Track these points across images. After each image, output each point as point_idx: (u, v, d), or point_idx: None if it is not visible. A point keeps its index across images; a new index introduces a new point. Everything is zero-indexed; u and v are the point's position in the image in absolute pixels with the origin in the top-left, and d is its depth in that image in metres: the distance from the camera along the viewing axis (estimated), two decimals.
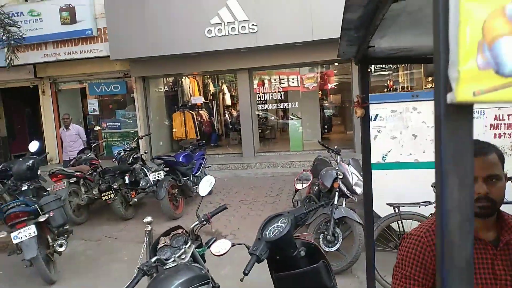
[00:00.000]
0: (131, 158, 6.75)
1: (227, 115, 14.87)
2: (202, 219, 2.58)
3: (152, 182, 6.54)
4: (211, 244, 2.63)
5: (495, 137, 3.85)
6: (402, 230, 3.63)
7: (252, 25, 9.04)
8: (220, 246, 2.39)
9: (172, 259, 2.38)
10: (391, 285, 1.36)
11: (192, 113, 12.00)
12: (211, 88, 14.45)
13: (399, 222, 3.59)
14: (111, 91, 11.87)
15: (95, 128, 12.52)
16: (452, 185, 0.53)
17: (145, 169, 6.91)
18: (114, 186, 6.13)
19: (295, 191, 4.80)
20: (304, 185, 4.38)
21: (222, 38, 9.27)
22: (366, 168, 1.91)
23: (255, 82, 11.22)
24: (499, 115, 3.85)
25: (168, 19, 9.46)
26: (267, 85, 11.39)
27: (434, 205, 3.59)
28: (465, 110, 0.50)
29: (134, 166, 6.84)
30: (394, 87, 14.33)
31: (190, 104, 12.41)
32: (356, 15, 0.91)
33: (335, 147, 4.87)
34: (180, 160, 6.86)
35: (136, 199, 6.58)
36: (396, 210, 3.55)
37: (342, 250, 4.01)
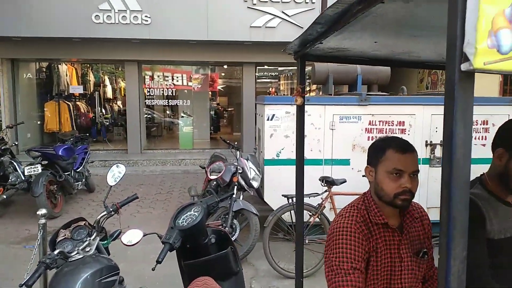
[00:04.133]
0: None
1: (108, 109, 13.93)
2: (111, 209, 2.45)
3: (24, 178, 5.80)
4: (116, 236, 2.53)
5: (368, 139, 4.54)
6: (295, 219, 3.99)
7: (146, 16, 8.73)
8: (132, 236, 2.32)
9: (76, 252, 2.22)
10: (333, 283, 1.37)
11: (69, 104, 10.93)
12: (91, 78, 13.37)
13: (292, 212, 3.95)
14: None
15: None
16: (459, 131, 0.72)
17: (15, 163, 6.08)
18: None
19: (208, 181, 4.87)
20: (216, 176, 4.47)
21: (111, 26, 8.71)
22: (299, 161, 2.05)
23: (147, 76, 10.82)
24: (372, 120, 4.56)
25: None
26: (156, 81, 11.08)
27: (321, 196, 4.06)
28: (471, 76, 0.71)
29: (2, 159, 5.95)
30: (276, 94, 15.38)
31: (66, 94, 11.29)
32: (336, 11, 1.05)
33: (235, 143, 5.09)
34: (60, 153, 6.22)
35: (4, 196, 5.74)
36: (290, 201, 3.91)
37: (239, 240, 4.22)
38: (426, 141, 4.62)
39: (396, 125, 4.56)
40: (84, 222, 2.45)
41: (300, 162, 1.99)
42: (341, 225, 1.44)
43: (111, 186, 2.52)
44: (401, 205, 1.40)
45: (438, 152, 4.60)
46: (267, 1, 8.84)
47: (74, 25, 8.60)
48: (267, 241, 3.92)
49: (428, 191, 4.56)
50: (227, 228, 4.08)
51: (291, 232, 4.21)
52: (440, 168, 4.28)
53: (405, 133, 4.55)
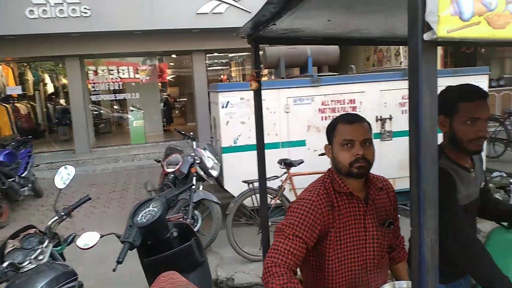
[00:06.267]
0: None
1: (50, 109, 13.12)
2: (62, 214, 2.30)
3: None
4: (71, 241, 2.40)
5: (322, 119, 4.62)
6: (256, 204, 4.00)
7: (85, 8, 8.23)
8: (88, 239, 2.20)
9: (28, 262, 2.07)
10: (275, 241, 1.44)
11: (6, 106, 10.15)
12: (30, 77, 12.50)
13: (253, 196, 3.95)
14: None
15: None
16: (425, 102, 0.71)
17: None
18: None
19: (165, 175, 4.71)
20: (174, 169, 4.34)
21: (47, 21, 8.13)
22: (260, 145, 2.01)
23: (90, 71, 10.26)
24: (325, 101, 4.63)
25: None
26: (101, 75, 10.55)
27: (280, 178, 4.09)
28: (434, 47, 0.70)
29: None
30: (228, 80, 15.25)
31: (3, 96, 10.47)
32: None
33: (191, 133, 4.97)
34: (2, 159, 5.79)
35: None
36: (251, 186, 3.90)
37: (202, 230, 4.16)
38: (377, 116, 4.78)
39: (348, 103, 4.67)
40: (34, 229, 2.29)
41: (260, 146, 1.96)
42: (301, 197, 1.51)
43: (60, 189, 2.36)
44: (357, 173, 1.45)
45: (388, 126, 4.78)
46: None
47: (6, 22, 7.94)
48: (230, 228, 3.90)
49: (381, 165, 4.70)
50: (188, 220, 4.00)
51: (253, 217, 4.22)
52: (391, 141, 4.42)
53: (356, 110, 4.66)
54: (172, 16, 8.50)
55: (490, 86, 9.48)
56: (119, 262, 1.92)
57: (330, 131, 1.54)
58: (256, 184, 4.01)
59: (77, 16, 8.24)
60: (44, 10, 8.09)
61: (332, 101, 4.62)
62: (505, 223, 1.72)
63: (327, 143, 1.58)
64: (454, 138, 1.53)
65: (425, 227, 0.77)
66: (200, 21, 8.70)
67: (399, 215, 1.66)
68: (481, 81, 4.77)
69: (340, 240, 1.47)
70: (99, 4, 8.28)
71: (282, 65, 5.15)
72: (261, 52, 6.75)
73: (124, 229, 2.08)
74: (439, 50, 9.13)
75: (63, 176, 2.39)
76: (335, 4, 1.21)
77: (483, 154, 5.21)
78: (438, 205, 1.39)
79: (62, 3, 8.15)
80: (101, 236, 2.21)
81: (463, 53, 9.30)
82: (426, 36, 0.67)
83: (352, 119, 1.50)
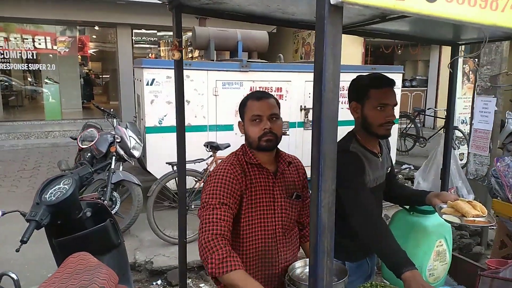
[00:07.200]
0: None
1: None
2: None
3: None
4: None
5: None
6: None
7: None
8: None
9: None
10: (203, 218, 1.47)
11: None
12: None
13: (177, 179, 3.87)
14: None
15: None
16: (329, 66, 0.72)
17: None
18: None
19: (79, 150, 4.36)
20: (88, 145, 4.04)
21: None
22: (180, 124, 1.94)
23: (0, 37, 9.13)
24: (253, 86, 4.68)
25: None
26: (10, 43, 9.43)
27: (207, 161, 4.07)
28: (340, 10, 0.72)
29: None
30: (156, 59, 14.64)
31: None
32: None
33: (111, 110, 4.68)
34: None
35: None
36: (174, 168, 3.82)
37: (121, 213, 4.00)
38: (301, 106, 4.96)
39: (275, 91, 4.76)
40: None
41: (180, 125, 1.91)
42: (215, 169, 1.58)
43: None
44: (265, 146, 1.55)
45: (311, 116, 4.99)
46: None
47: None
48: (151, 210, 3.80)
49: (303, 153, 4.94)
50: (106, 202, 3.81)
51: (176, 200, 4.15)
52: None
53: (282, 99, 4.78)
54: None
55: (403, 86, 10.40)
56: (23, 242, 1.78)
57: (241, 108, 1.62)
58: None
59: None
60: None
61: (260, 87, 4.67)
62: (407, 207, 1.90)
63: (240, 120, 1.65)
64: (365, 123, 1.65)
65: (323, 189, 0.80)
66: None
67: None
68: (395, 79, 5.15)
69: (251, 206, 1.55)
70: None
71: (212, 46, 5.07)
72: (191, 33, 6.58)
73: (30, 207, 1.91)
74: (361, 48, 9.74)
75: None
76: None
77: (394, 147, 5.71)
78: (348, 184, 1.51)
79: None
80: (3, 213, 2.02)
81: (382, 53, 10.00)
82: (333, 1, 0.69)
83: (260, 96, 1.58)
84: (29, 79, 11.88)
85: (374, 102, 1.60)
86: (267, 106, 1.54)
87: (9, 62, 9.59)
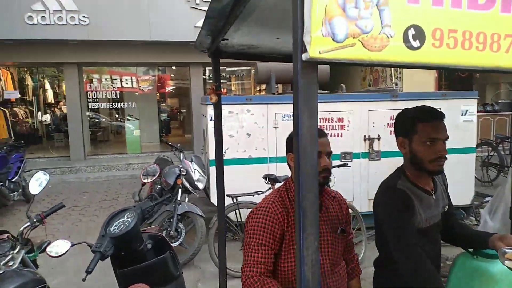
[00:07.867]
0: None
1: (49, 114, 13.18)
2: (35, 220, 2.31)
3: None
4: (45, 248, 2.39)
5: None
6: (240, 219, 3.99)
7: (83, 16, 8.35)
8: (58, 247, 2.20)
9: None
10: (245, 256, 1.52)
11: (4, 110, 10.24)
12: (29, 82, 12.60)
13: (237, 211, 3.94)
14: None
15: None
16: (304, 120, 0.71)
17: None
18: None
19: (142, 185, 4.70)
20: (150, 180, 4.34)
21: (46, 27, 8.23)
22: (219, 159, 2.02)
23: (94, 79, 10.37)
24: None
25: None
26: (100, 84, 10.63)
27: (265, 193, 4.09)
28: (313, 66, 0.71)
29: None
30: (227, 94, 15.33)
31: (1, 100, 10.55)
32: (221, 4, 1.04)
33: (178, 145, 4.98)
34: None
35: None
36: (234, 200, 3.89)
37: (185, 243, 4.14)
38: (365, 136, 4.80)
39: (336, 122, 4.69)
40: (7, 234, 2.29)
41: (219, 160, 1.98)
42: (257, 207, 1.60)
43: (35, 195, 2.37)
44: (322, 182, 1.57)
45: (376, 146, 4.80)
46: (210, 1, 8.75)
47: (5, 27, 8.04)
48: (212, 242, 3.88)
49: (369, 184, 4.73)
50: (171, 232, 3.99)
51: (237, 232, 4.20)
52: (379, 161, 4.43)
53: (344, 129, 4.69)
54: (170, 29, 8.62)
55: (485, 111, 9.56)
56: (88, 272, 1.90)
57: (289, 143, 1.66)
58: (240, 199, 4.02)
59: (76, 24, 8.34)
60: (42, 16, 8.20)
61: (320, 118, 4.64)
62: (470, 249, 1.71)
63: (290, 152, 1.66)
64: (414, 159, 1.54)
65: (305, 246, 0.76)
66: (197, 34, 8.79)
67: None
68: (470, 105, 4.79)
69: (294, 243, 1.52)
70: (98, 13, 8.40)
71: (273, 80, 5.19)
72: (253, 69, 6.85)
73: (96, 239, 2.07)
74: (433, 73, 9.22)
75: (37, 182, 2.40)
76: (275, 21, 1.23)
77: (471, 177, 5.22)
78: (393, 224, 1.41)
79: (61, 11, 8.26)
80: (72, 245, 2.20)
81: (458, 76, 9.34)
82: (304, 57, 0.68)
83: (322, 133, 1.60)
84: (115, 115, 13.16)
85: (422, 137, 1.50)
86: (327, 144, 1.58)
87: (97, 102, 10.76)
